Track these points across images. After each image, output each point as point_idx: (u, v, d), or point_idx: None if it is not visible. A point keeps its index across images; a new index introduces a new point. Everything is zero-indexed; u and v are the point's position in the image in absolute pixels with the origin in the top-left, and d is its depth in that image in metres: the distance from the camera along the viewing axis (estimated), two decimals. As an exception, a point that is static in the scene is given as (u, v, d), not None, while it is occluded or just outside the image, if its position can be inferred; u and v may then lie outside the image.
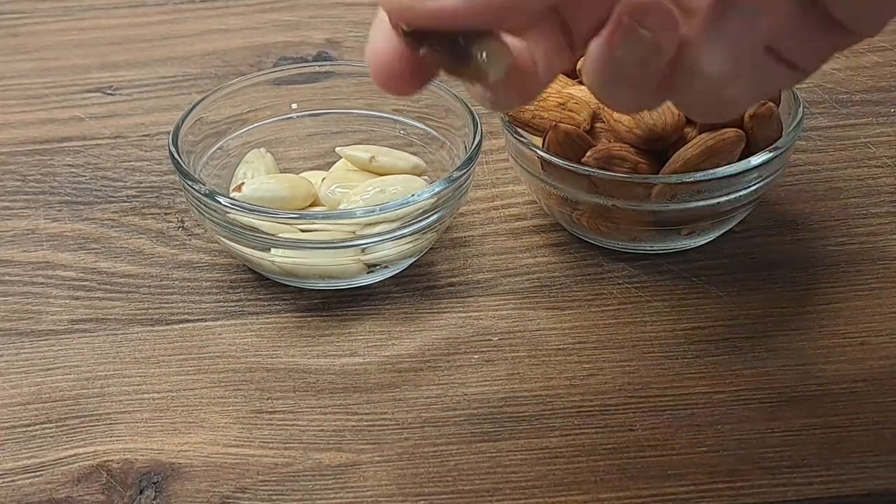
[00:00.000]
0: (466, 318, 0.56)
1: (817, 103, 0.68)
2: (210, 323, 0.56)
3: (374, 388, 0.53)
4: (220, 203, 0.55)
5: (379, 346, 0.55)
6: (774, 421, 0.51)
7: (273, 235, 0.55)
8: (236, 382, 0.53)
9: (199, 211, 0.56)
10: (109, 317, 0.56)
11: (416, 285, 0.58)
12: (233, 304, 0.57)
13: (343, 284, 0.57)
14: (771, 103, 0.56)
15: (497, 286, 0.57)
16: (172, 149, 0.57)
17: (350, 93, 0.63)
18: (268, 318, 0.56)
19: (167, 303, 0.57)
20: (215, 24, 0.77)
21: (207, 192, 0.55)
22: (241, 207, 0.55)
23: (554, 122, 0.56)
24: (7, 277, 0.59)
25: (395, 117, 0.62)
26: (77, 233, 0.61)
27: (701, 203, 0.56)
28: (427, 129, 0.61)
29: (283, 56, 0.73)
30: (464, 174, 0.56)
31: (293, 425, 0.51)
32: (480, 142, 0.57)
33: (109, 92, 0.71)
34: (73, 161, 0.66)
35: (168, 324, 0.56)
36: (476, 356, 0.54)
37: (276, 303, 0.57)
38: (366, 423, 0.51)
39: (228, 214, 0.55)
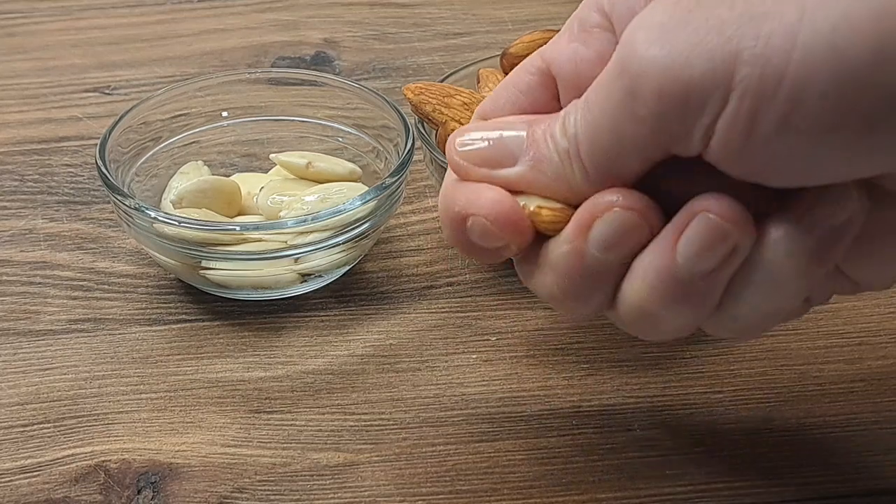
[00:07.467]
0: (465, 318, 0.56)
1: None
2: (207, 323, 0.56)
3: (372, 388, 0.53)
4: (148, 215, 0.54)
5: (377, 345, 0.55)
6: (772, 421, 0.51)
7: (204, 248, 0.54)
8: (234, 382, 0.53)
9: (127, 224, 0.55)
10: (107, 317, 0.56)
11: (414, 285, 0.58)
12: (230, 303, 0.57)
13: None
14: None
15: (495, 286, 0.57)
16: (100, 161, 0.56)
17: (283, 99, 0.62)
18: (265, 318, 0.56)
19: (165, 303, 0.57)
20: (213, 24, 0.77)
21: (137, 205, 0.54)
22: (171, 220, 0.53)
23: (445, 120, 0.56)
24: (5, 277, 0.58)
25: (329, 123, 0.61)
26: (75, 232, 0.61)
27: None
28: (362, 135, 0.60)
29: (280, 56, 0.73)
30: (396, 181, 0.55)
31: (291, 425, 0.51)
32: (412, 148, 0.56)
33: (107, 92, 0.71)
34: (71, 161, 0.65)
35: (166, 324, 0.56)
36: (474, 356, 0.54)
37: (274, 303, 0.57)
38: (364, 423, 0.51)
39: (156, 226, 0.54)
